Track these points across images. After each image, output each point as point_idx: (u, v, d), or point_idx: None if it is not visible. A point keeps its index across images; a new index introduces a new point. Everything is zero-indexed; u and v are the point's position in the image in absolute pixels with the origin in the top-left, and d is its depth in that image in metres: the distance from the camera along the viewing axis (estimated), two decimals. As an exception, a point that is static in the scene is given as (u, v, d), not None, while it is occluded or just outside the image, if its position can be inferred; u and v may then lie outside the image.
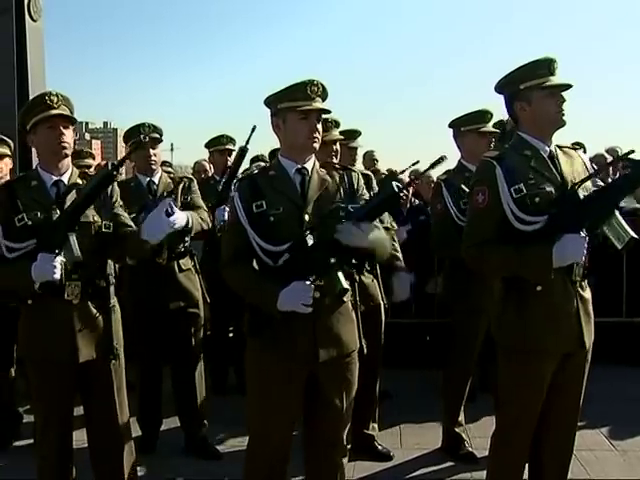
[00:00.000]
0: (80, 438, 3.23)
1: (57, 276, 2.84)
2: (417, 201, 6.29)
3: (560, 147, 2.94)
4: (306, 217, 2.72)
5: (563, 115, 2.83)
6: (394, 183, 2.58)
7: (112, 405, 3.09)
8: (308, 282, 2.62)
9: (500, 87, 2.97)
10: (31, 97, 5.78)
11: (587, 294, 2.91)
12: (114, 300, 3.10)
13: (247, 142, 4.80)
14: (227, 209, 4.28)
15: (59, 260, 2.83)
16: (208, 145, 5.65)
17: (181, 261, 4.22)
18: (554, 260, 2.67)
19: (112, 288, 3.09)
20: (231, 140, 5.62)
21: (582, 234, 2.69)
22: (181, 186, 4.19)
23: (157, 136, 4.19)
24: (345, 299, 2.78)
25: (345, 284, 2.65)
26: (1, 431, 4.42)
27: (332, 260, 2.63)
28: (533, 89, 2.83)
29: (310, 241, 2.65)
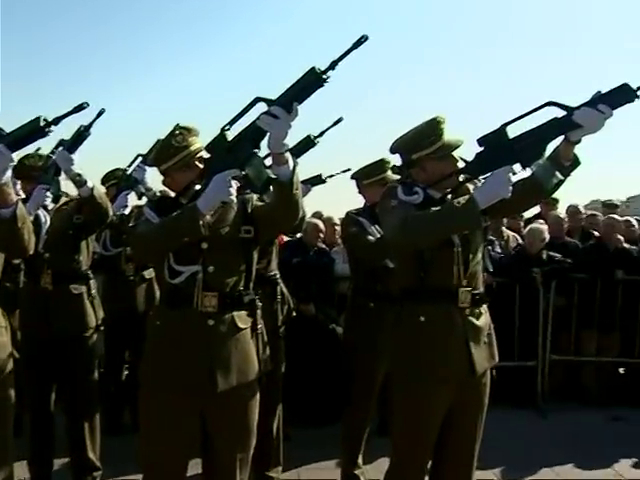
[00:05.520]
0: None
1: None
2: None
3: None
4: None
5: (459, 176, 2.99)
6: (315, 66, 2.53)
7: None
8: (228, 173, 2.66)
9: (394, 152, 3.13)
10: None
11: (481, 321, 3.01)
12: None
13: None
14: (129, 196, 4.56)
15: None
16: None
17: (71, 285, 4.07)
18: (477, 197, 2.69)
19: None
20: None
21: (510, 169, 2.73)
22: None
23: None
24: (243, 325, 2.86)
25: (272, 174, 2.67)
26: None
27: (255, 150, 2.65)
28: (424, 158, 2.97)
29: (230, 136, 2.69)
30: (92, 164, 3.87)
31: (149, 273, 5.15)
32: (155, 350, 2.86)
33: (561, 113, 2.73)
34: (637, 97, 2.62)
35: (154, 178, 4.74)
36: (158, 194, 4.80)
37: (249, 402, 2.89)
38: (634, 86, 2.61)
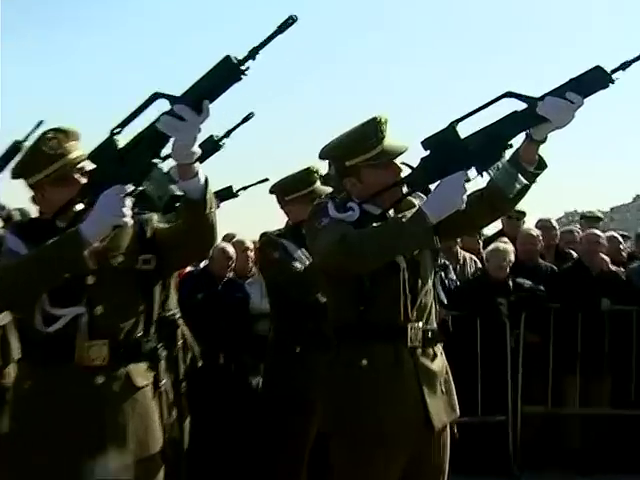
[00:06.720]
0: None
1: None
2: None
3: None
4: None
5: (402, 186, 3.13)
6: (230, 55, 2.54)
7: None
8: (120, 189, 2.66)
9: (324, 159, 3.33)
10: None
11: (436, 364, 3.15)
12: None
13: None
14: None
15: None
16: None
17: None
18: (427, 210, 2.86)
19: None
20: None
21: (464, 174, 2.90)
22: None
23: None
24: (142, 382, 2.88)
25: (177, 191, 2.71)
26: None
27: (154, 160, 2.70)
28: (361, 165, 3.11)
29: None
30: None
31: (1, 319, 5.09)
32: (25, 421, 2.81)
33: (522, 106, 2.88)
34: (612, 82, 2.78)
35: (8, 193, 4.74)
36: (16, 213, 4.78)
37: (153, 471, 2.90)
38: (608, 69, 2.77)
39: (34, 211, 3.08)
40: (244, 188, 5.04)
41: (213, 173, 2.71)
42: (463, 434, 4.78)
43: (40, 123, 3.93)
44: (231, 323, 5.79)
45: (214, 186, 2.75)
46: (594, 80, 2.79)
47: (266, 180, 4.81)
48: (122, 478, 2.72)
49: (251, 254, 6.51)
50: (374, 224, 2.98)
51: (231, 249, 6.16)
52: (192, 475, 4.46)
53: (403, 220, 2.90)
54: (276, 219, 4.61)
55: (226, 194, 4.91)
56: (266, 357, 4.70)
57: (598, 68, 2.78)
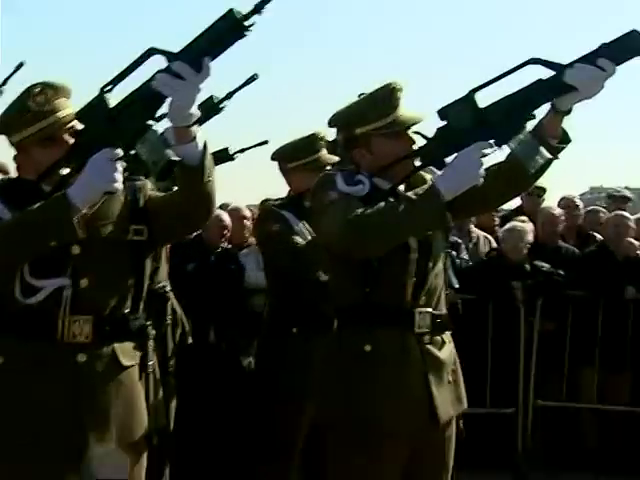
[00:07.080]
0: None
1: None
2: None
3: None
4: None
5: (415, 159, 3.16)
6: (234, 9, 2.52)
7: None
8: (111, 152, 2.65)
9: (333, 126, 3.35)
10: None
11: (444, 352, 3.18)
12: None
13: None
14: None
15: None
16: None
17: None
18: (440, 187, 2.87)
19: None
20: None
21: (482, 146, 2.92)
22: None
23: None
24: (128, 362, 2.88)
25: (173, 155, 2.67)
26: None
27: (149, 122, 2.69)
28: (371, 134, 3.14)
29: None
30: None
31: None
32: None
33: (547, 73, 2.88)
34: None
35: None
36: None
37: (132, 468, 2.90)
38: None
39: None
40: (241, 150, 5.01)
41: (207, 132, 2.69)
42: (469, 426, 4.84)
43: (20, 65, 3.88)
44: (224, 297, 5.81)
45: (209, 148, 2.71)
46: (629, 46, 2.77)
47: (265, 143, 4.80)
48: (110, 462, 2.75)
49: (248, 223, 6.50)
50: (383, 201, 2.98)
51: (227, 217, 6.21)
52: (178, 459, 4.49)
53: (414, 198, 2.92)
54: (276, 184, 4.62)
55: (222, 156, 4.89)
56: (259, 336, 4.76)
57: (634, 32, 2.75)
